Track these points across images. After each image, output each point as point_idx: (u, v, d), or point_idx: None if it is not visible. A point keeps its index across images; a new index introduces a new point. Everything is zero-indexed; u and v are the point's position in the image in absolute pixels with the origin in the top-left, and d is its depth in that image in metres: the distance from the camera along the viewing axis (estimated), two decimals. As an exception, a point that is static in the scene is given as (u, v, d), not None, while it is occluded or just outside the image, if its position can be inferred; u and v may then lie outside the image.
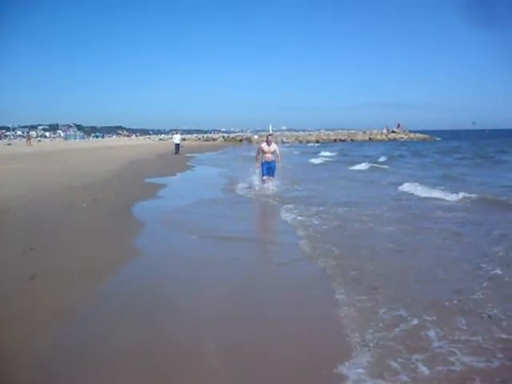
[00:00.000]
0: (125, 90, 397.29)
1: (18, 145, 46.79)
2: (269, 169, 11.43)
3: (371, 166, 19.03)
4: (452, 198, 9.60)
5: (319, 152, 33.52)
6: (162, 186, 13.03)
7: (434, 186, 11.18)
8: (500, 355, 3.02)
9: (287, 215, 8.06)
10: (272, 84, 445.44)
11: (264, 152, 11.46)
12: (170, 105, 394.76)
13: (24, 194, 10.08)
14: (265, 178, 11.40)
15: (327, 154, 31.21)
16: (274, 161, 11.49)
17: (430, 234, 6.57)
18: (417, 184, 11.38)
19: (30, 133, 76.03)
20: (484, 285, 4.32)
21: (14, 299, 4.16)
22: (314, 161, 24.17)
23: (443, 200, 9.60)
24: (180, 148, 31.20)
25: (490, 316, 3.63)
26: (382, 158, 24.71)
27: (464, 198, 9.46)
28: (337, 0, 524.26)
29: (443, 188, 10.74)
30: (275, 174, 11.61)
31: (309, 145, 56.37)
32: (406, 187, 11.23)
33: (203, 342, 3.33)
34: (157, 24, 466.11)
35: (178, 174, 17.44)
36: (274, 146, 11.56)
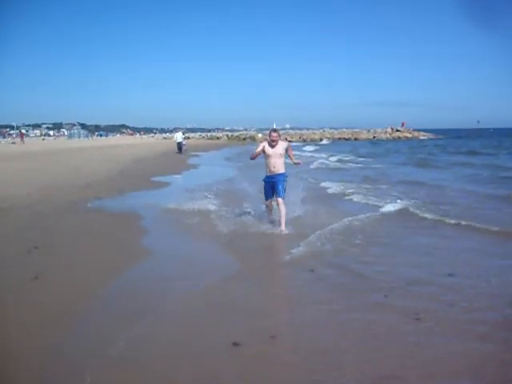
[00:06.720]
0: (128, 89, 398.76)
1: (22, 143, 46.94)
2: (274, 187, 7.17)
3: (321, 166, 20.55)
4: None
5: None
6: (167, 184, 12.97)
7: (344, 183, 12.75)
8: None
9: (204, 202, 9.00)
10: (276, 82, 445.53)
11: (266, 156, 7.25)
12: (173, 103, 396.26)
13: (28, 193, 10.05)
14: (267, 202, 7.45)
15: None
16: (282, 173, 7.21)
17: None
18: (330, 182, 13.06)
19: (23, 131, 79.56)
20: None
21: (18, 298, 4.11)
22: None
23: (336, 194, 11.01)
24: (183, 147, 30.00)
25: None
26: (333, 158, 25.65)
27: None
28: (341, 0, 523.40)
29: (350, 185, 12.39)
30: (284, 192, 7.15)
31: (293, 144, 56.25)
32: (325, 184, 12.73)
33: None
34: (160, 23, 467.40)
35: (183, 172, 17.35)
36: (280, 147, 7.19)
